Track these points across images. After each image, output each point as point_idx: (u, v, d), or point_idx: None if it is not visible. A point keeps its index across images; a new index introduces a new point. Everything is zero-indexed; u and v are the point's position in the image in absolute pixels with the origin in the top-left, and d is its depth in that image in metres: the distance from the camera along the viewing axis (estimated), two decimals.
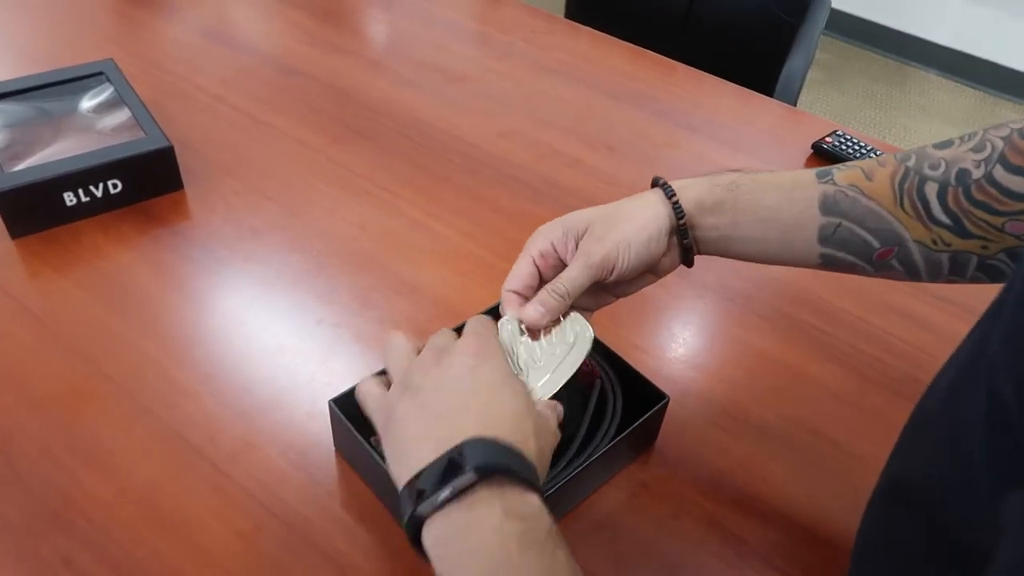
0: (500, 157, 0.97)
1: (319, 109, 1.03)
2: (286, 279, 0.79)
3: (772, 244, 0.56)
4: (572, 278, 0.54)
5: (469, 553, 0.40)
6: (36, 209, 0.80)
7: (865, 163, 0.55)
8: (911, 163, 0.53)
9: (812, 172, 0.56)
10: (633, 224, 0.55)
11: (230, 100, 1.03)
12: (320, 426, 0.65)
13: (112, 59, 0.97)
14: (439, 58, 1.17)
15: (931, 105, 2.83)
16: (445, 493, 0.40)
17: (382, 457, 0.55)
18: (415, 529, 0.41)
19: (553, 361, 0.53)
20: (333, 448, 0.64)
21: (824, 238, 0.54)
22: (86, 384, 0.67)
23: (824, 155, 1.00)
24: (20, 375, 0.67)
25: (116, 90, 0.92)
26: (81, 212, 0.82)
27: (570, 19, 1.44)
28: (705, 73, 1.18)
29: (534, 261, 0.56)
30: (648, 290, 0.81)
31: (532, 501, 0.42)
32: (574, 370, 0.53)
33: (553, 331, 0.55)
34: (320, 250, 0.82)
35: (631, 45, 1.24)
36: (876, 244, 0.53)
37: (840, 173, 0.55)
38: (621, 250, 0.54)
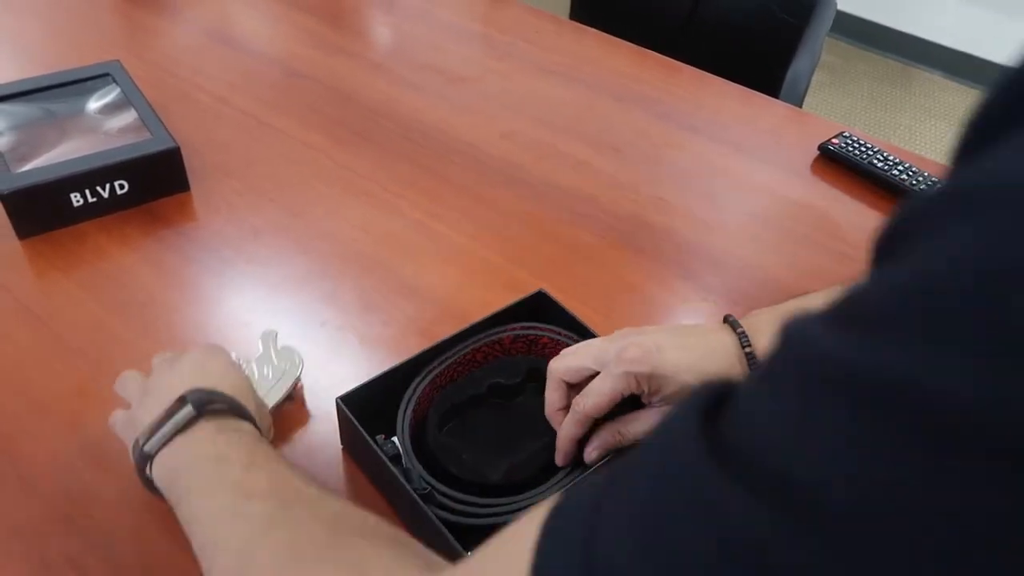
0: (502, 158, 0.97)
1: (322, 111, 1.03)
2: (289, 280, 0.79)
3: None
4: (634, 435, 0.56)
5: (188, 464, 0.48)
6: (43, 210, 0.80)
7: None
8: None
9: None
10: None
11: (234, 102, 1.03)
12: (324, 427, 0.65)
13: (119, 60, 0.97)
14: (441, 59, 1.17)
15: (936, 106, 2.82)
16: (167, 427, 0.49)
17: (388, 456, 0.55)
18: (143, 462, 0.50)
19: (267, 385, 0.64)
20: (338, 449, 0.64)
21: None
22: (91, 386, 0.67)
23: (831, 157, 1.00)
24: (26, 377, 0.67)
25: (123, 91, 0.93)
26: (87, 213, 0.82)
27: (574, 20, 1.44)
28: (709, 74, 1.18)
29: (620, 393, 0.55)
30: (653, 293, 0.82)
31: (245, 426, 0.51)
32: (284, 394, 0.64)
33: (267, 367, 0.66)
34: (323, 251, 0.82)
35: (634, 46, 1.24)
36: None
37: None
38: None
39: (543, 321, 0.67)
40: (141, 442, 0.50)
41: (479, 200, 0.90)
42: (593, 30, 1.28)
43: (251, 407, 0.53)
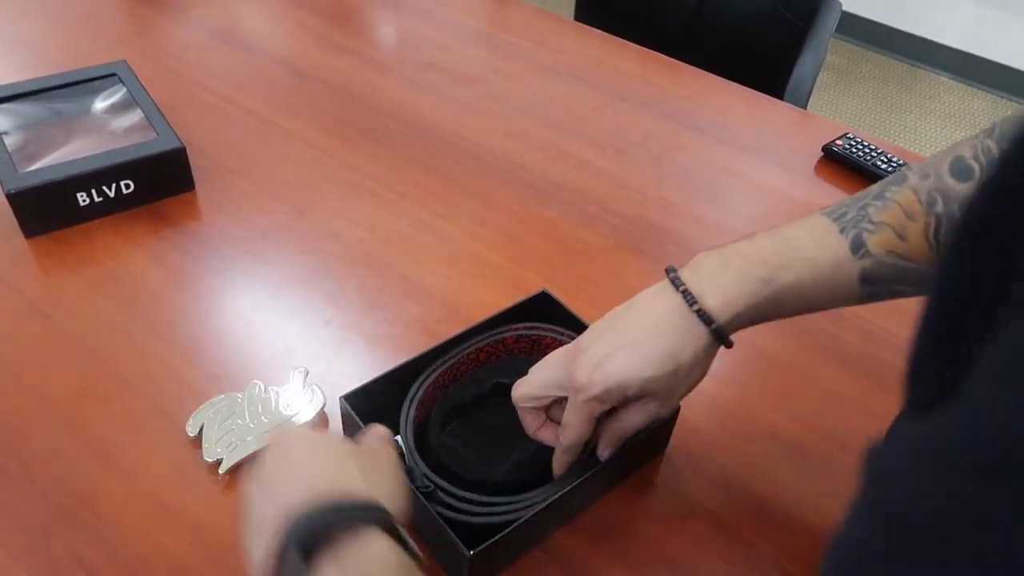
0: (508, 159, 0.97)
1: (327, 111, 1.03)
2: (294, 280, 0.79)
3: (729, 412, 0.58)
4: (637, 426, 0.56)
5: None
6: (49, 209, 0.81)
7: (893, 217, 0.52)
8: (939, 209, 0.51)
9: (844, 245, 0.52)
10: (688, 382, 0.54)
11: (239, 102, 1.04)
12: (328, 427, 0.65)
13: (125, 60, 0.98)
14: (447, 60, 1.17)
15: (942, 108, 2.82)
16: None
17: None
18: None
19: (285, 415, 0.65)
20: None
21: (867, 297, 0.54)
22: (97, 383, 0.67)
23: (834, 158, 1.00)
24: (32, 374, 0.68)
25: (129, 91, 0.93)
26: (94, 212, 0.83)
27: (579, 21, 1.44)
28: (714, 75, 1.18)
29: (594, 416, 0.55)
30: None
31: (371, 547, 0.40)
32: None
33: (290, 398, 0.66)
34: (327, 251, 0.82)
35: (639, 47, 1.24)
36: (918, 292, 0.53)
37: (872, 238, 0.52)
38: (678, 398, 0.55)
39: (546, 321, 0.67)
40: None
41: (484, 200, 0.91)
42: (598, 31, 1.28)
43: (362, 485, 0.44)
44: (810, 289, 0.53)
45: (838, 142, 1.01)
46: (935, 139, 2.65)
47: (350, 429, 0.61)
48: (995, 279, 0.27)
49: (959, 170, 0.51)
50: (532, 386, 0.56)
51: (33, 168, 0.81)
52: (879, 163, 0.97)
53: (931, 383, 0.31)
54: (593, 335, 0.54)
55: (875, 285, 0.53)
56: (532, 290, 0.71)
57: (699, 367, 0.53)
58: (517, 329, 0.66)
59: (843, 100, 2.83)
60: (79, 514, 0.58)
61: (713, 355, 0.54)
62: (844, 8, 1.37)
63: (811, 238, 0.54)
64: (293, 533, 0.40)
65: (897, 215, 0.52)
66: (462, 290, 0.79)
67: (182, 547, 0.57)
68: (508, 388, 0.64)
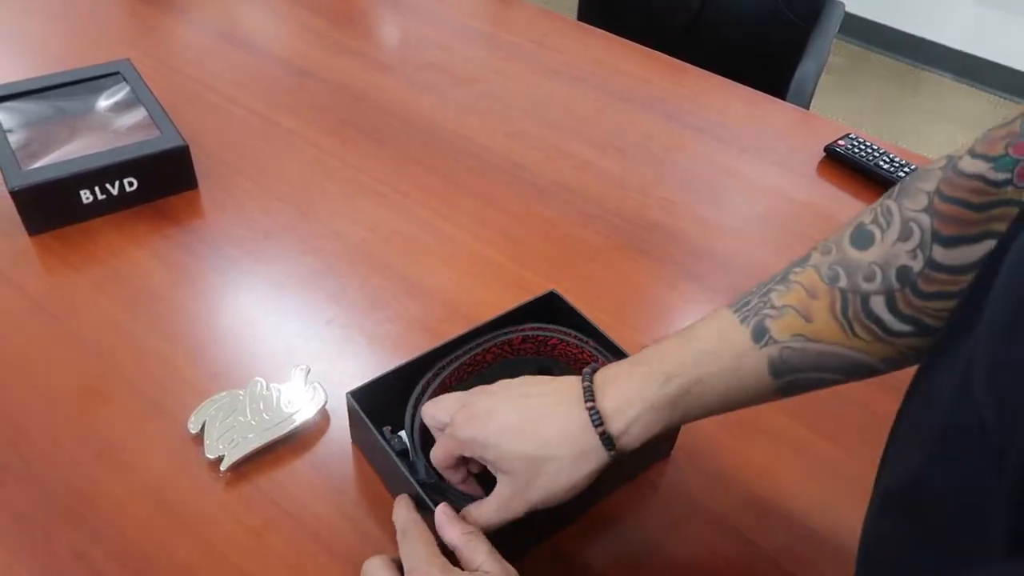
0: (509, 158, 0.98)
1: (330, 111, 1.04)
2: (296, 279, 0.79)
3: (731, 410, 0.52)
4: (490, 519, 0.51)
5: None
6: (53, 206, 0.81)
7: (795, 298, 0.48)
8: (843, 283, 0.47)
9: (746, 334, 0.49)
10: (564, 477, 0.49)
11: (242, 101, 1.04)
12: (330, 424, 0.65)
13: (129, 59, 0.98)
14: (448, 60, 1.17)
15: (944, 109, 2.82)
16: None
17: (395, 451, 0.56)
18: None
19: (287, 411, 0.64)
20: (345, 447, 0.64)
21: (783, 392, 0.50)
22: (100, 382, 0.68)
23: (837, 158, 1.00)
24: (35, 371, 0.68)
25: (132, 90, 0.93)
26: (97, 210, 0.83)
27: (581, 21, 1.44)
28: (716, 75, 1.18)
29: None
30: (658, 292, 0.82)
31: None
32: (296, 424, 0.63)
33: (292, 394, 0.65)
34: (329, 250, 0.83)
35: (641, 47, 1.24)
36: (841, 378, 0.49)
37: (775, 323, 0.48)
38: (545, 499, 0.50)
39: (552, 322, 0.67)
40: None
41: (485, 200, 0.91)
42: (600, 31, 1.28)
43: None
44: (715, 387, 0.49)
45: (840, 142, 1.01)
46: (937, 140, 2.65)
47: (356, 425, 0.62)
48: None
49: (860, 238, 0.48)
50: (436, 407, 0.55)
51: (36, 166, 0.81)
52: (881, 163, 0.97)
53: None
54: (492, 395, 0.52)
55: (787, 375, 0.49)
56: (533, 290, 0.71)
57: (568, 475, 0.49)
58: (524, 330, 0.66)
59: (845, 101, 2.83)
60: (81, 511, 0.58)
61: (594, 474, 0.49)
62: (847, 9, 1.37)
63: (714, 331, 0.50)
64: None
65: (799, 296, 0.48)
66: (463, 290, 0.79)
67: (184, 544, 0.57)
68: None
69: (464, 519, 0.51)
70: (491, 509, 0.51)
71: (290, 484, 0.61)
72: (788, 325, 0.48)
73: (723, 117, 1.09)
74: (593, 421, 0.48)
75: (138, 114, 0.90)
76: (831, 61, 1.60)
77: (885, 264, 0.46)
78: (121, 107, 0.92)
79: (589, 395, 0.49)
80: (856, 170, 0.99)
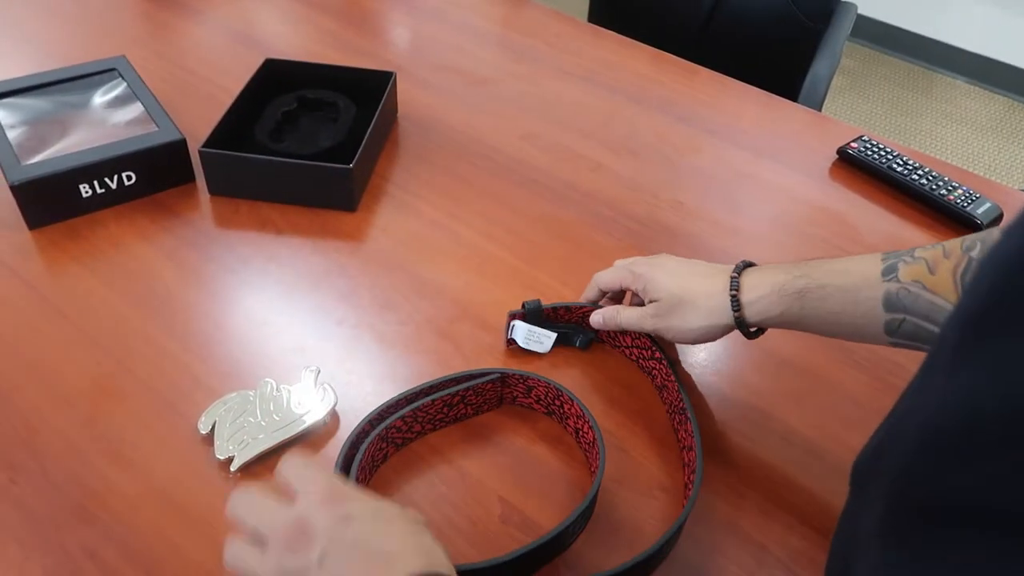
0: (521, 160, 0.97)
1: None
2: (307, 279, 0.79)
3: (840, 336, 0.60)
4: (629, 320, 0.68)
5: None
6: (52, 200, 0.82)
7: (931, 253, 0.55)
8: (974, 253, 0.53)
9: (878, 266, 0.57)
10: (693, 318, 0.63)
11: None
12: (339, 426, 0.65)
13: (124, 56, 0.99)
14: (460, 61, 1.17)
15: (957, 111, 2.80)
16: None
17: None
18: None
19: (297, 413, 0.65)
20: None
21: (892, 331, 0.56)
22: (110, 381, 0.68)
23: (850, 160, 0.99)
24: (46, 369, 0.68)
25: (129, 85, 0.94)
26: (96, 203, 0.84)
27: (592, 23, 1.44)
28: (728, 77, 1.18)
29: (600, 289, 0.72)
30: None
31: None
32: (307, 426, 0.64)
33: (302, 397, 0.66)
34: (340, 250, 0.83)
35: (653, 49, 1.23)
36: None
37: (905, 268, 0.55)
38: (673, 332, 0.65)
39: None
40: None
41: (497, 201, 0.91)
42: (611, 33, 1.28)
43: (423, 545, 0.43)
44: (835, 297, 0.57)
45: (853, 144, 1.00)
46: (950, 142, 2.63)
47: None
48: None
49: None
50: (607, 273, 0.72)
51: (36, 160, 0.82)
52: (895, 166, 0.96)
53: None
54: (668, 257, 0.69)
55: (897, 312, 0.55)
56: (544, 291, 0.71)
57: (697, 320, 0.63)
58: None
59: (857, 104, 2.82)
60: (92, 510, 0.58)
61: (723, 331, 0.63)
62: (860, 11, 1.37)
63: (857, 260, 0.59)
64: None
65: (936, 253, 0.55)
66: (475, 290, 0.79)
67: (193, 544, 0.57)
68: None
69: (615, 318, 0.69)
70: (634, 314, 0.67)
71: None
72: (914, 271, 0.55)
73: (735, 119, 1.09)
74: (731, 286, 0.61)
75: (135, 109, 0.91)
76: (843, 63, 1.59)
77: None
78: (118, 102, 0.93)
79: (736, 269, 0.63)
80: (869, 173, 0.98)
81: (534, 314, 0.71)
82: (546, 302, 0.72)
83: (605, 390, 0.70)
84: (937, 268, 0.54)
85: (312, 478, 0.45)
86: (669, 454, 0.65)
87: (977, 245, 0.53)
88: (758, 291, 0.61)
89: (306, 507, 0.43)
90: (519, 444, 0.65)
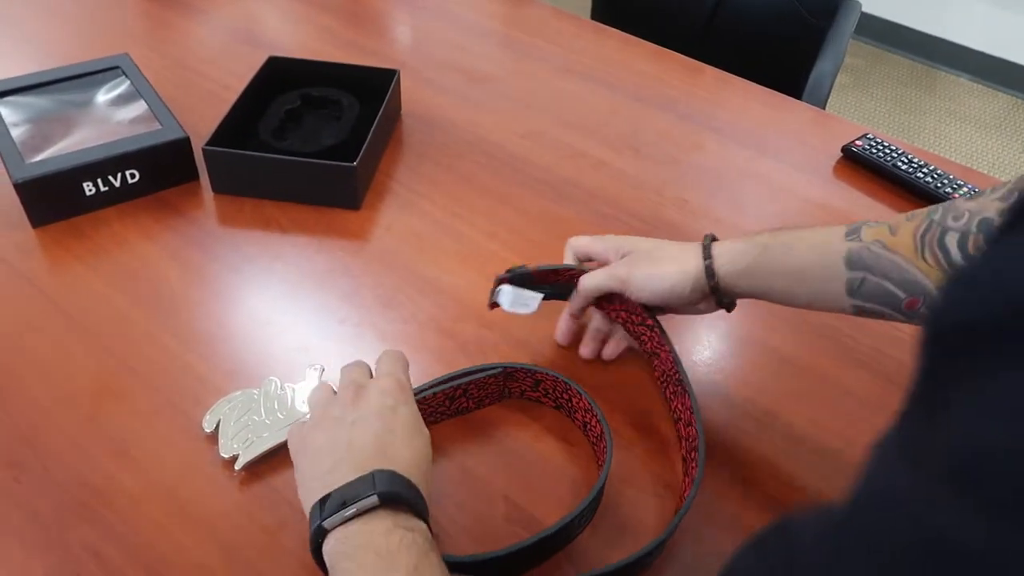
0: (524, 158, 0.97)
1: None
2: (311, 278, 0.79)
3: (803, 298, 0.60)
4: (597, 280, 0.67)
5: (355, 552, 0.46)
6: (56, 198, 0.82)
7: (895, 218, 0.57)
8: (936, 216, 0.55)
9: (843, 230, 0.59)
10: (662, 269, 0.65)
11: None
12: None
13: (127, 54, 0.99)
14: (463, 59, 1.17)
15: (961, 109, 2.79)
16: (350, 511, 0.46)
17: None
18: (318, 539, 0.47)
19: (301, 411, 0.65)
20: None
21: (852, 291, 0.57)
22: (114, 379, 0.68)
23: (854, 158, 0.99)
24: (49, 368, 0.68)
25: (132, 84, 0.94)
26: (100, 202, 0.84)
27: (595, 20, 1.44)
28: (732, 75, 1.17)
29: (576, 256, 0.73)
30: None
31: (420, 527, 0.47)
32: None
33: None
34: (343, 248, 0.83)
35: (656, 47, 1.23)
36: (902, 295, 0.55)
37: (869, 230, 0.57)
38: (642, 283, 0.65)
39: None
40: (319, 514, 0.47)
41: (500, 200, 0.91)
42: (614, 30, 1.28)
43: (424, 489, 0.50)
44: (799, 253, 0.59)
45: (857, 142, 1.00)
46: (954, 141, 2.63)
47: None
48: None
49: (975, 194, 0.56)
50: (597, 243, 0.71)
51: (39, 158, 0.82)
52: (899, 164, 0.96)
53: None
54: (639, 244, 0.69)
55: (859, 271, 0.56)
56: None
57: (670, 267, 0.64)
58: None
59: (861, 102, 2.81)
60: (95, 508, 0.58)
61: (693, 283, 0.63)
62: (864, 9, 1.36)
63: (825, 227, 0.60)
64: (380, 483, 0.47)
65: (899, 218, 0.57)
66: (477, 289, 0.79)
67: (197, 542, 0.57)
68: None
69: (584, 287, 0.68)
70: (603, 271, 0.67)
71: None
72: (876, 232, 0.57)
73: (739, 117, 1.09)
74: (704, 243, 0.64)
75: (138, 107, 0.91)
76: (847, 61, 1.59)
77: (976, 212, 0.53)
78: (121, 101, 0.93)
79: (709, 238, 0.65)
80: (873, 171, 0.98)
81: (520, 280, 0.70)
82: (546, 302, 0.72)
83: (609, 389, 0.70)
84: (899, 230, 0.56)
85: (390, 372, 0.56)
86: (673, 454, 0.65)
87: (939, 210, 0.55)
88: (725, 245, 0.63)
89: (373, 385, 0.54)
90: (523, 440, 0.65)
